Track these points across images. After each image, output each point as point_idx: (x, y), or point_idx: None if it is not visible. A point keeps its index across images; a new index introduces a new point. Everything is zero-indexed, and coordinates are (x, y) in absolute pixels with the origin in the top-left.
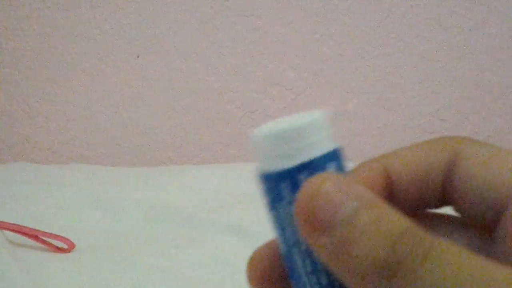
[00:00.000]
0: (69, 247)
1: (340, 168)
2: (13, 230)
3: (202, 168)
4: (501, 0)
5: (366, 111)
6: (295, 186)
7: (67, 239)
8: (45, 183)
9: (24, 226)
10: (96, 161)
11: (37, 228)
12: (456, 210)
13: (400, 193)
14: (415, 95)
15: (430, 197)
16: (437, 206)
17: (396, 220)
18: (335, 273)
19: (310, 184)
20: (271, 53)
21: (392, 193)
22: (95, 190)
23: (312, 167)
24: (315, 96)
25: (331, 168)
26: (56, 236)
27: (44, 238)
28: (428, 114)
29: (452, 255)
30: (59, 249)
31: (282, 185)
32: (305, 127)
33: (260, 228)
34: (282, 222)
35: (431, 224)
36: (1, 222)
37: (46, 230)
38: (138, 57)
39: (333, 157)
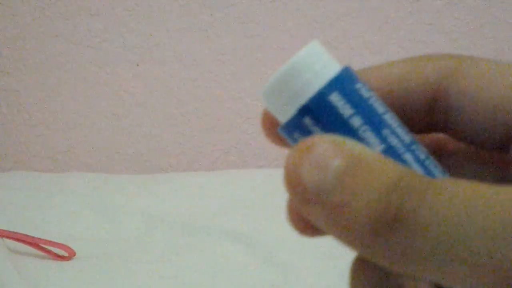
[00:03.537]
0: (70, 255)
1: (346, 95)
2: (13, 238)
3: (202, 175)
4: (502, 5)
5: None
6: (306, 132)
7: (68, 247)
8: (45, 191)
9: (24, 234)
10: (96, 169)
11: (37, 236)
12: (453, 134)
13: None
14: None
15: (413, 119)
16: (421, 131)
17: (387, 170)
18: (336, 239)
19: (293, 154)
20: (270, 59)
21: None
22: (95, 198)
23: (311, 107)
24: None
25: (334, 99)
26: (56, 244)
27: (45, 246)
28: None
29: (452, 187)
30: (59, 257)
31: (295, 136)
32: (295, 66)
33: (261, 235)
34: None
35: None
36: (1, 230)
37: (47, 238)
38: (137, 65)
39: (334, 86)
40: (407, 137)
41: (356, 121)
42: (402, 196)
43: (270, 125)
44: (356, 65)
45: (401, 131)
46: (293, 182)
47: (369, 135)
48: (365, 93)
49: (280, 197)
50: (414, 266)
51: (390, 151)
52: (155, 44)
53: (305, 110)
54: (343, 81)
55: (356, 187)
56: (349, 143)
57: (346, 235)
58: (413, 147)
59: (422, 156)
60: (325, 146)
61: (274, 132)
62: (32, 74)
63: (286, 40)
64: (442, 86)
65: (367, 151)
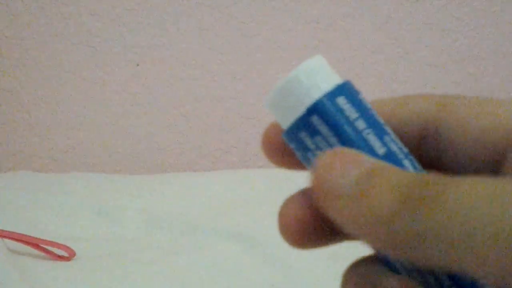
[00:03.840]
0: (70, 255)
1: (352, 101)
2: (13, 239)
3: (202, 175)
4: (502, 5)
5: None
6: (313, 131)
7: (68, 247)
8: (45, 192)
9: (24, 235)
10: (96, 169)
11: (37, 236)
12: (443, 168)
13: None
14: None
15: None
16: None
17: (406, 172)
18: (357, 231)
19: (321, 159)
20: (270, 59)
21: None
22: (96, 198)
23: (320, 106)
24: None
25: (341, 102)
26: (56, 244)
27: (45, 246)
28: None
29: (473, 180)
30: (59, 257)
31: (302, 136)
32: (301, 74)
33: (261, 235)
34: None
35: None
36: (2, 230)
37: (47, 238)
38: (137, 65)
39: (340, 92)
40: (404, 147)
41: (361, 124)
42: (425, 186)
43: (271, 145)
44: (357, 65)
45: (399, 141)
46: (321, 181)
47: (372, 137)
48: (366, 103)
49: (280, 197)
50: (434, 252)
51: (391, 155)
52: (155, 44)
53: (314, 108)
54: (348, 89)
55: (380, 181)
56: (369, 156)
57: (369, 221)
58: (411, 157)
59: (419, 167)
60: (350, 154)
61: (275, 152)
62: (32, 74)
63: (286, 40)
64: (431, 121)
65: (385, 162)
